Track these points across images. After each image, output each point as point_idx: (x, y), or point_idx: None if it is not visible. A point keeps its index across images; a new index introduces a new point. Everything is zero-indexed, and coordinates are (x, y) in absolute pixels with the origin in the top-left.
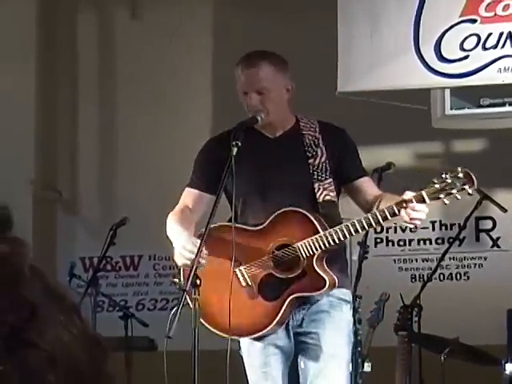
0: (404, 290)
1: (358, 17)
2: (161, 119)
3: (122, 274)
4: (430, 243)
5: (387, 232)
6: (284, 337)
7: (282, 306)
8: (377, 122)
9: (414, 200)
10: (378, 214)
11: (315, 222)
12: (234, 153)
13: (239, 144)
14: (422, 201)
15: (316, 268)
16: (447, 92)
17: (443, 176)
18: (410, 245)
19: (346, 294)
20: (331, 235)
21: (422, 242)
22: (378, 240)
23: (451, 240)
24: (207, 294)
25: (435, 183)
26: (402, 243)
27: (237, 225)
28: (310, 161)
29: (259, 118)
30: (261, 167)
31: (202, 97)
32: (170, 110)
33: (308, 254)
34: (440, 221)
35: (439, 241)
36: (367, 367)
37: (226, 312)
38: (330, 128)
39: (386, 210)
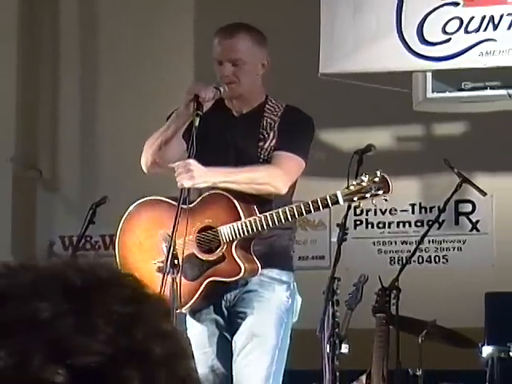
0: (383, 273)
1: None
2: (143, 97)
3: (101, 253)
4: (410, 226)
5: (367, 214)
6: (220, 317)
7: (199, 287)
8: (358, 104)
9: (328, 199)
10: (302, 206)
11: (239, 208)
12: (197, 123)
13: (200, 114)
14: (336, 201)
15: (234, 254)
16: (429, 75)
17: (361, 178)
18: (389, 227)
19: (280, 274)
20: (252, 223)
21: (401, 224)
22: (358, 222)
23: (430, 223)
24: (136, 267)
25: (352, 185)
26: (381, 225)
27: (170, 201)
28: (260, 144)
29: (221, 90)
30: (215, 147)
31: (185, 73)
32: (153, 87)
33: (228, 239)
34: (420, 203)
35: (418, 223)
36: (344, 349)
37: (153, 287)
38: (292, 113)
39: (310, 205)
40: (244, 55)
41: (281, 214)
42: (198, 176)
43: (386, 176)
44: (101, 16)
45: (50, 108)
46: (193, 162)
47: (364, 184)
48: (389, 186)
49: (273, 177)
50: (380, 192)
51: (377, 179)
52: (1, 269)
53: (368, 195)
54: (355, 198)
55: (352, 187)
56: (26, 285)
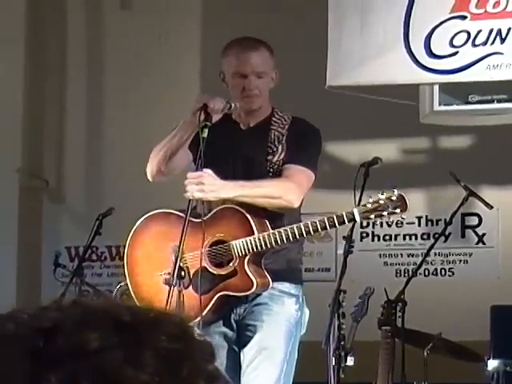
0: (389, 285)
1: (348, 11)
2: (150, 108)
3: (107, 264)
4: (416, 238)
5: (373, 227)
6: (229, 330)
7: (210, 301)
8: (365, 117)
9: (345, 217)
10: (317, 223)
11: (252, 223)
12: (205, 134)
13: (209, 125)
14: (353, 219)
15: (246, 269)
16: (436, 88)
17: (378, 196)
18: (395, 240)
19: (290, 287)
20: (265, 238)
21: (407, 237)
22: (364, 234)
23: (437, 236)
24: (144, 279)
25: (369, 203)
26: (387, 238)
27: (181, 214)
28: (269, 157)
29: (233, 105)
30: (223, 160)
31: (192, 85)
32: (160, 98)
33: (241, 254)
34: (426, 216)
35: (425, 236)
36: (350, 361)
37: (160, 298)
38: (299, 125)
39: (326, 222)
40: (266, 68)
41: (295, 230)
42: (210, 190)
43: (403, 194)
44: (107, 19)
45: (57, 119)
46: (206, 175)
47: (381, 202)
48: (406, 204)
49: (285, 190)
50: (397, 210)
51: (394, 198)
52: (52, 304)
53: (385, 213)
54: (372, 216)
55: (369, 205)
56: (76, 317)
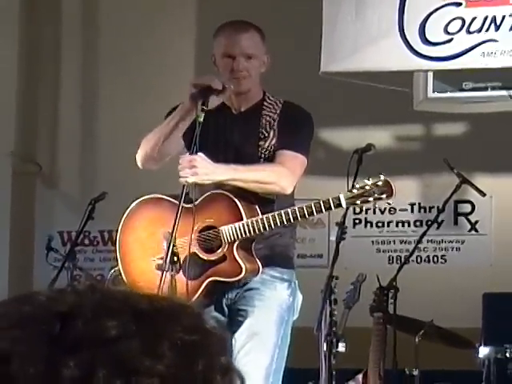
0: (381, 272)
1: None
2: (144, 95)
3: (99, 249)
4: (409, 225)
5: (366, 213)
6: (221, 315)
7: (200, 287)
8: (358, 103)
9: (331, 202)
10: (305, 208)
11: (241, 209)
12: (201, 118)
13: (205, 109)
14: (339, 204)
15: (235, 254)
16: (430, 75)
17: (364, 181)
18: (388, 226)
19: (282, 272)
20: (253, 224)
21: (400, 224)
22: (357, 221)
23: (429, 223)
24: (136, 264)
25: (355, 188)
26: (380, 225)
27: (172, 199)
28: (261, 143)
29: (227, 87)
30: (214, 145)
31: (185, 72)
32: (153, 85)
33: (230, 239)
34: (419, 203)
35: (417, 223)
36: (341, 347)
37: (151, 284)
38: (291, 110)
39: (313, 207)
40: (256, 50)
41: (283, 215)
42: (203, 173)
43: (389, 180)
44: (102, 13)
45: (50, 103)
46: (199, 158)
47: (367, 188)
48: (392, 190)
49: (279, 176)
50: (383, 196)
51: (380, 183)
52: (69, 288)
53: (371, 199)
54: (358, 202)
55: (355, 190)
56: (94, 303)
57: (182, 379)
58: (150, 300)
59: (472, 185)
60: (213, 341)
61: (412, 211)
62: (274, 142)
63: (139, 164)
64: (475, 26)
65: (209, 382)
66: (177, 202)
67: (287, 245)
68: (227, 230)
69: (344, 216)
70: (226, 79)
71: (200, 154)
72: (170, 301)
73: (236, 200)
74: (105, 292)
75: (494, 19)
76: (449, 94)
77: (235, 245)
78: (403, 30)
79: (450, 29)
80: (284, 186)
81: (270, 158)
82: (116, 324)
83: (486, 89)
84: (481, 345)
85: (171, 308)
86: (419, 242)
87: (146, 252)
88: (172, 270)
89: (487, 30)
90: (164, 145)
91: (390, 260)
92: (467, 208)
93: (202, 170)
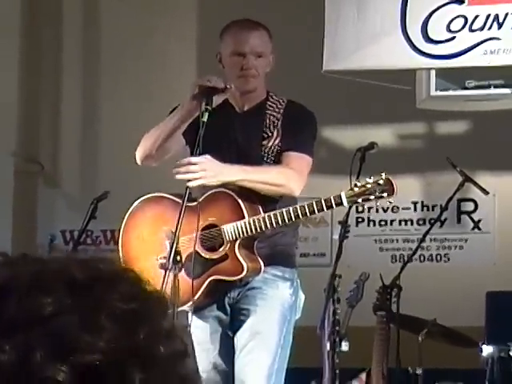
0: (384, 270)
1: None
2: (145, 94)
3: (102, 248)
4: (412, 224)
5: (369, 212)
6: (223, 314)
7: (202, 285)
8: (361, 102)
9: (332, 200)
10: (306, 207)
11: (243, 207)
12: (205, 118)
13: (210, 109)
14: (340, 203)
15: (237, 253)
16: (432, 73)
17: (366, 180)
18: (391, 225)
19: (284, 271)
20: (255, 223)
21: (403, 222)
22: (360, 219)
23: (432, 221)
24: (139, 263)
25: (356, 186)
26: (383, 223)
27: (174, 198)
28: (264, 142)
29: (229, 87)
30: (217, 144)
31: (187, 72)
32: (155, 84)
33: (232, 238)
34: (422, 202)
35: (420, 222)
36: (345, 346)
37: (155, 282)
38: (294, 109)
39: (314, 205)
40: (265, 49)
41: (285, 214)
42: (211, 176)
43: (390, 178)
44: (104, 14)
45: (52, 102)
46: (207, 161)
47: (369, 186)
48: (393, 188)
49: (288, 179)
50: (384, 194)
51: (381, 181)
52: (1, 259)
53: (372, 197)
54: (359, 200)
55: (356, 189)
56: (28, 277)
57: (125, 350)
58: (87, 267)
59: (475, 183)
60: (153, 306)
61: (415, 210)
62: (277, 141)
63: (138, 160)
64: (478, 24)
65: (153, 350)
66: (179, 201)
67: (289, 244)
68: (229, 229)
69: (347, 215)
70: (233, 77)
71: (207, 156)
72: (109, 267)
73: (238, 199)
74: (38, 262)
75: (496, 17)
76: (451, 92)
77: (237, 243)
78: (405, 28)
79: (453, 27)
80: (293, 188)
81: (273, 158)
82: (51, 300)
83: (488, 87)
84: (484, 343)
85: (109, 276)
86: (422, 240)
87: (148, 250)
88: (175, 269)
89: (490, 27)
90: (164, 144)
91: (392, 259)
92: (470, 206)
93: (210, 172)
